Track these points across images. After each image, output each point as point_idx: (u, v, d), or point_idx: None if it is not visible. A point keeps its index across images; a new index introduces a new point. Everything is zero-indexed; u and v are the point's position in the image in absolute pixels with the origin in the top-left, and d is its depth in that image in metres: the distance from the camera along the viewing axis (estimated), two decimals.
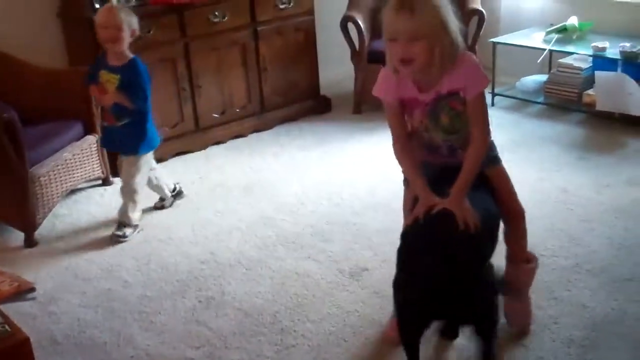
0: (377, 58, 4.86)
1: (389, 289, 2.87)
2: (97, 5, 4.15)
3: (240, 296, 2.97)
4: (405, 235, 2.26)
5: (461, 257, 2.10)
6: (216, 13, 4.46)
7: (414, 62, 2.16)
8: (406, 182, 2.55)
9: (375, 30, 5.12)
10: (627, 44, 4.40)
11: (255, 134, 4.81)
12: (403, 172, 2.47)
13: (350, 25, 4.92)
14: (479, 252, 2.20)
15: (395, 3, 2.13)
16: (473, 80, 2.24)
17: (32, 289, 3.09)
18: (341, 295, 2.95)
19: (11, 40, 4.11)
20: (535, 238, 3.23)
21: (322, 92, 5.19)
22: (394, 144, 2.40)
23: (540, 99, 4.91)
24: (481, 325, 2.26)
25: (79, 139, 3.88)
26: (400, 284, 2.26)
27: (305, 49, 4.98)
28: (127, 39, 3.38)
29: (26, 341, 2.16)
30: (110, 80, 3.41)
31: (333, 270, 3.12)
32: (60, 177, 3.68)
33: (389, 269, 3.06)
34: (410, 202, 2.41)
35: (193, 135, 4.57)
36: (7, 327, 2.17)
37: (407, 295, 2.23)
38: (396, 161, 2.42)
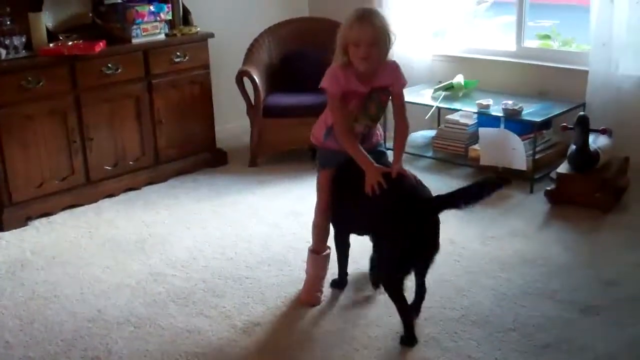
0: (272, 112, 4.95)
1: (281, 343, 2.90)
2: None
3: (128, 356, 2.90)
4: (391, 203, 2.88)
5: (431, 203, 2.91)
6: (109, 65, 4.43)
7: (370, 59, 2.90)
8: (323, 164, 3.15)
9: (270, 84, 5.21)
10: (510, 102, 4.63)
11: (149, 187, 4.76)
12: (349, 150, 3.00)
13: (246, 80, 4.97)
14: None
15: (358, 17, 2.90)
16: (401, 78, 3.08)
17: None
18: (233, 352, 2.92)
19: None
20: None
21: (218, 145, 5.20)
22: (339, 128, 2.99)
23: (430, 154, 5.09)
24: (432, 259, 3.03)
25: None
26: (398, 247, 2.86)
27: (201, 102, 5.00)
28: None
29: None
30: None
31: (225, 326, 3.09)
32: None
33: (282, 324, 3.09)
34: (327, 182, 3.14)
35: (84, 189, 4.47)
36: None
37: (404, 252, 2.87)
38: (341, 141, 3.00)
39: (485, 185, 2.94)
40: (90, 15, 4.67)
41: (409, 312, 2.98)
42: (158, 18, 4.68)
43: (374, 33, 2.88)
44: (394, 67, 3.05)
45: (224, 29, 5.25)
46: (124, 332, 3.07)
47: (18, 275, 3.60)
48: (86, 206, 4.45)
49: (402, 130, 3.14)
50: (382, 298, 3.24)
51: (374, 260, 3.04)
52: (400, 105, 3.12)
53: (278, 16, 5.57)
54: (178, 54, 4.78)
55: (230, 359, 2.87)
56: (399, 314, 2.97)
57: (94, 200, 4.51)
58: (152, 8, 4.63)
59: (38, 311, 3.25)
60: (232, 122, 5.52)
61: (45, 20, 4.41)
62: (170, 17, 4.79)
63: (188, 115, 4.94)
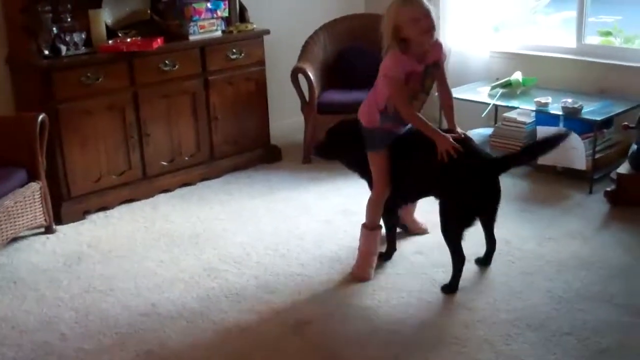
0: (326, 109, 4.94)
1: (331, 343, 2.90)
2: (47, 52, 4.15)
3: (180, 350, 2.93)
4: (474, 169, 3.22)
5: (498, 162, 3.33)
6: (166, 62, 4.48)
7: (434, 30, 3.16)
8: (378, 146, 3.37)
9: (325, 81, 5.20)
10: (569, 100, 4.53)
11: (203, 182, 4.80)
12: (419, 125, 3.24)
13: (301, 77, 4.98)
14: None
15: None
16: (444, 54, 3.38)
17: None
18: (283, 348, 2.92)
19: None
20: (476, 290, 3.29)
21: (273, 141, 5.22)
22: (406, 108, 3.23)
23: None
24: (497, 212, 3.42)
25: (22, 185, 3.83)
26: (466, 204, 3.27)
27: (256, 98, 5.02)
28: None
29: None
30: None
31: (276, 322, 3.10)
32: (1, 225, 3.62)
33: (333, 322, 3.08)
34: (385, 161, 3.38)
35: (140, 183, 4.54)
36: None
37: (470, 209, 3.28)
38: (412, 121, 3.27)
39: (548, 140, 3.31)
40: (149, 12, 4.73)
41: (462, 264, 3.30)
42: (215, 15, 4.72)
43: (427, 4, 3.15)
44: (438, 42, 3.32)
45: (279, 25, 5.26)
46: (177, 326, 3.10)
47: (74, 268, 3.67)
48: (142, 201, 4.51)
49: (450, 97, 3.47)
50: (433, 299, 3.22)
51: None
52: (445, 74, 3.47)
53: (334, 13, 5.56)
54: (234, 50, 4.81)
55: (280, 356, 2.88)
56: (452, 262, 3.29)
57: (150, 195, 4.58)
58: (209, 5, 4.66)
59: (93, 304, 3.31)
60: (286, 118, 5.53)
61: (105, 17, 4.48)
62: (226, 14, 4.82)
63: (243, 112, 4.97)
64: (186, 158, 4.75)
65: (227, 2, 4.81)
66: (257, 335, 3.02)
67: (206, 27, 4.70)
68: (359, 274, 3.46)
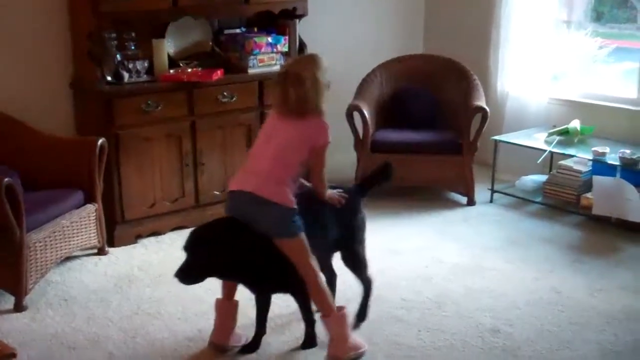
0: (379, 148, 4.96)
1: None
2: (110, 78, 4.27)
3: None
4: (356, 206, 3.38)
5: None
6: (225, 93, 4.57)
7: None
8: (300, 227, 3.00)
9: (379, 120, 5.23)
10: (627, 151, 4.47)
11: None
12: (324, 194, 3.15)
13: (356, 115, 5.01)
14: None
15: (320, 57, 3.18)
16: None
17: (13, 355, 3.05)
18: None
19: (22, 106, 4.22)
20: (524, 338, 3.23)
21: None
22: (324, 177, 3.12)
23: (539, 199, 4.95)
24: None
25: (78, 207, 3.92)
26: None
27: None
28: None
29: None
30: None
31: (320, 357, 3.08)
32: (56, 243, 3.71)
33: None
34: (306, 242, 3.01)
35: (192, 211, 4.60)
36: None
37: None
38: (323, 190, 3.14)
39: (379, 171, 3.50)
40: (210, 43, 4.84)
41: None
42: (275, 49, 4.80)
43: None
44: None
45: (337, 62, 5.24)
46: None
47: (125, 290, 3.73)
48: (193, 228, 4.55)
49: None
50: (478, 343, 3.18)
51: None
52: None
53: (392, 52, 5.60)
54: None
55: None
56: (366, 292, 3.42)
57: (201, 222, 4.61)
58: (269, 39, 4.75)
59: (141, 326, 3.35)
60: (338, 154, 5.54)
61: (167, 47, 4.60)
62: (286, 49, 4.90)
63: None
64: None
65: (287, 37, 4.89)
66: None
67: (265, 60, 4.78)
68: (354, 353, 3.09)
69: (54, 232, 3.69)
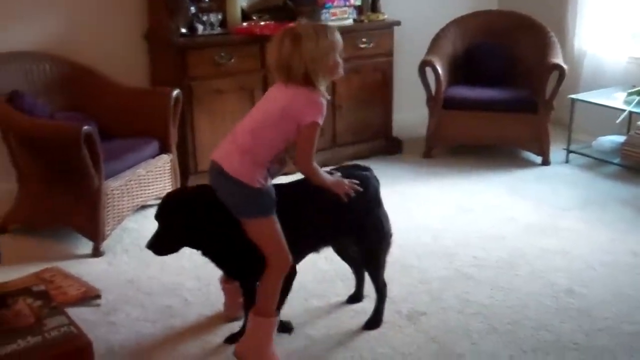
0: (452, 104, 4.88)
1: (446, 335, 2.87)
2: (184, 30, 4.29)
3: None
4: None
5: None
6: None
7: None
8: (268, 209, 2.63)
9: (452, 76, 5.14)
10: None
11: (323, 169, 4.79)
12: (317, 176, 2.68)
13: (428, 70, 4.93)
14: None
15: (329, 27, 2.65)
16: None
17: (98, 296, 3.16)
18: (396, 337, 2.92)
19: (98, 57, 4.29)
20: (600, 299, 3.17)
21: (395, 133, 5.21)
22: (313, 159, 2.65)
23: (617, 160, 4.81)
24: None
25: (154, 156, 3.98)
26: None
27: (382, 89, 5.02)
28: None
29: (89, 345, 2.21)
30: None
31: (390, 311, 3.08)
32: (133, 192, 3.78)
33: (447, 316, 3.05)
34: (277, 225, 2.64)
35: None
36: (72, 328, 2.22)
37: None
38: (312, 174, 2.67)
39: None
40: None
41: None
42: (347, 3, 4.74)
43: None
44: None
45: (410, 17, 5.23)
46: (295, 303, 3.15)
47: None
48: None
49: None
50: (552, 303, 3.13)
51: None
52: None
53: (466, 7, 5.48)
54: (364, 40, 4.82)
55: (393, 344, 2.87)
56: (379, 296, 3.04)
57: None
58: None
59: (216, 274, 3.38)
60: (409, 111, 5.50)
61: (241, 0, 4.59)
62: (359, 3, 4.84)
63: (367, 102, 4.98)
64: None
65: None
66: None
67: (338, 14, 4.74)
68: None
69: (131, 181, 3.76)
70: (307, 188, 2.72)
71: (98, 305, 3.13)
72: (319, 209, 2.76)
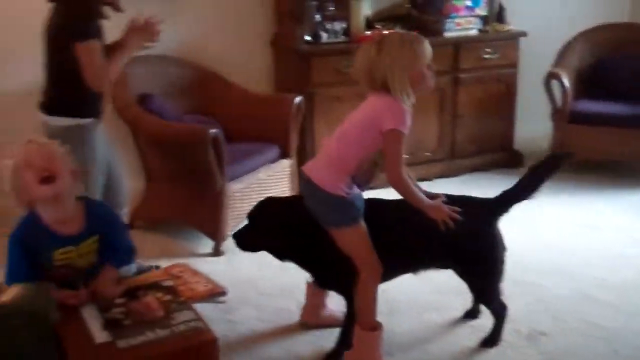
0: (579, 119, 4.72)
1: (566, 358, 2.77)
2: (308, 38, 4.35)
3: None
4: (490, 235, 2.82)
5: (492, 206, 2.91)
6: None
7: None
8: (355, 217, 2.60)
9: (579, 90, 4.97)
10: None
11: (440, 179, 4.78)
12: (409, 193, 2.60)
13: (554, 83, 4.79)
14: None
15: (419, 37, 2.61)
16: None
17: (224, 293, 3.24)
18: (516, 357, 2.84)
19: (225, 62, 4.42)
20: None
21: (516, 146, 5.09)
22: (402, 171, 2.58)
23: None
24: None
25: (274, 161, 4.05)
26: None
27: (504, 101, 4.93)
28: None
29: (214, 341, 2.26)
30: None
31: (509, 329, 3.00)
32: (253, 194, 3.85)
33: (570, 337, 2.94)
34: (368, 236, 2.60)
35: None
36: (200, 324, 2.28)
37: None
38: (401, 186, 2.59)
39: (546, 163, 2.96)
40: (407, 6, 4.79)
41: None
42: (473, 13, 4.68)
43: None
44: None
45: (536, 28, 5.09)
46: (406, 316, 3.12)
47: None
48: (378, 190, 4.58)
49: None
50: None
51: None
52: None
53: (594, 19, 5.29)
54: (488, 50, 4.74)
55: None
56: (498, 320, 2.93)
57: (385, 186, 4.63)
58: (468, 3, 4.65)
59: None
60: (532, 124, 5.35)
61: (365, 8, 4.60)
62: (485, 13, 4.76)
63: (489, 113, 4.89)
64: (426, 153, 4.76)
65: (487, 1, 4.75)
66: None
67: (463, 24, 4.69)
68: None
69: (251, 184, 3.84)
70: (403, 206, 2.64)
71: (223, 302, 3.21)
72: (410, 230, 2.69)
